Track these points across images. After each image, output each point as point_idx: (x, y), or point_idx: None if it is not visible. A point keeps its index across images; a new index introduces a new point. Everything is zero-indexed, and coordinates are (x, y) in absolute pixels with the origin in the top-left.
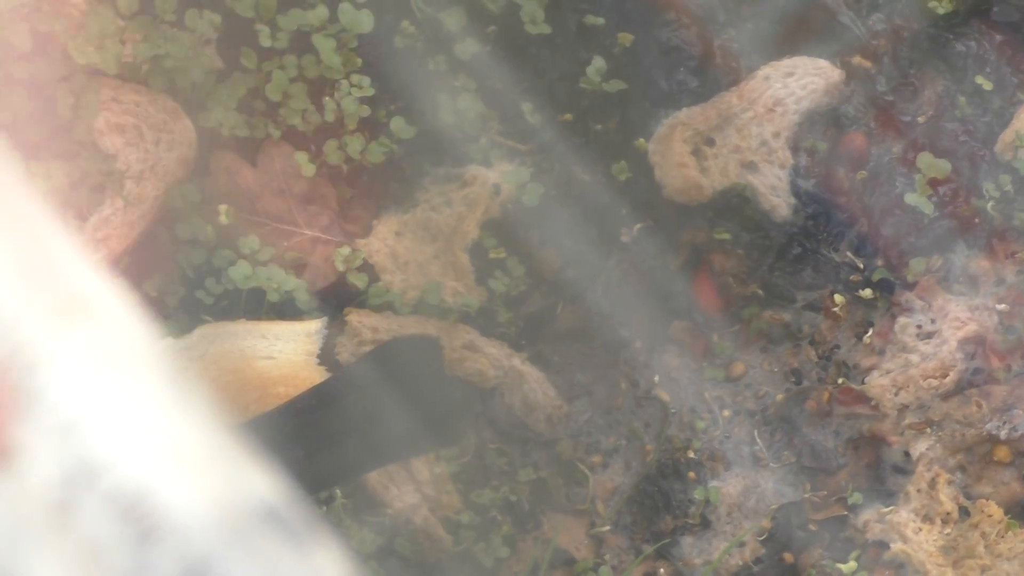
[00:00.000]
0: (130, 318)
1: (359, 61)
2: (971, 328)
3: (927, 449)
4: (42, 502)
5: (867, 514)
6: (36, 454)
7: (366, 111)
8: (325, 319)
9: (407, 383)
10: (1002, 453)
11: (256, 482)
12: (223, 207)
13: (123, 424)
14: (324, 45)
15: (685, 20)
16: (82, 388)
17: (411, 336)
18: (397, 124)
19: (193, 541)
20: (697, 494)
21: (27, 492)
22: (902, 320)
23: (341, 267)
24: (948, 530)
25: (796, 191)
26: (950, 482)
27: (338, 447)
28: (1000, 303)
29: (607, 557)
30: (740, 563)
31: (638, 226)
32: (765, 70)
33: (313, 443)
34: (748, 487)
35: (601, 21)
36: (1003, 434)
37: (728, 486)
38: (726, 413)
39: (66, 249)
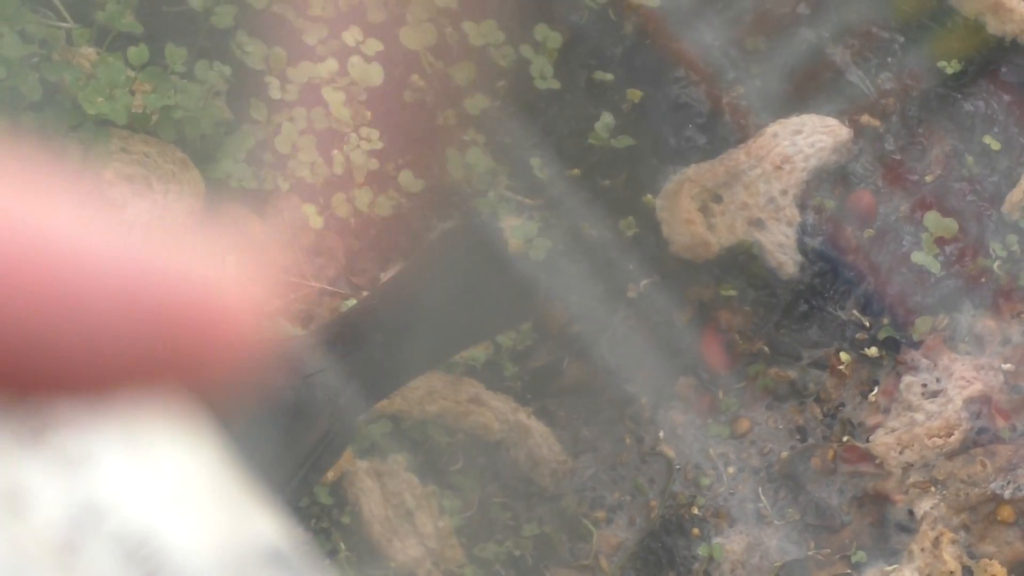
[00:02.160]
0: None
1: (368, 114)
2: (976, 387)
3: (931, 508)
4: (47, 542)
5: (871, 572)
6: (41, 493)
7: (374, 164)
8: None
9: (472, 267)
10: (1006, 513)
11: (262, 524)
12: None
13: (129, 464)
14: (334, 98)
15: (694, 77)
16: (88, 428)
17: (469, 222)
18: (405, 177)
19: None
20: (701, 551)
21: (31, 532)
22: (907, 379)
23: None
24: None
25: (803, 249)
26: (954, 541)
27: (414, 338)
28: (1006, 363)
29: None
30: None
31: (645, 282)
32: (773, 127)
33: (390, 337)
34: (752, 544)
35: (610, 77)
36: (1007, 493)
37: (732, 543)
38: (731, 470)
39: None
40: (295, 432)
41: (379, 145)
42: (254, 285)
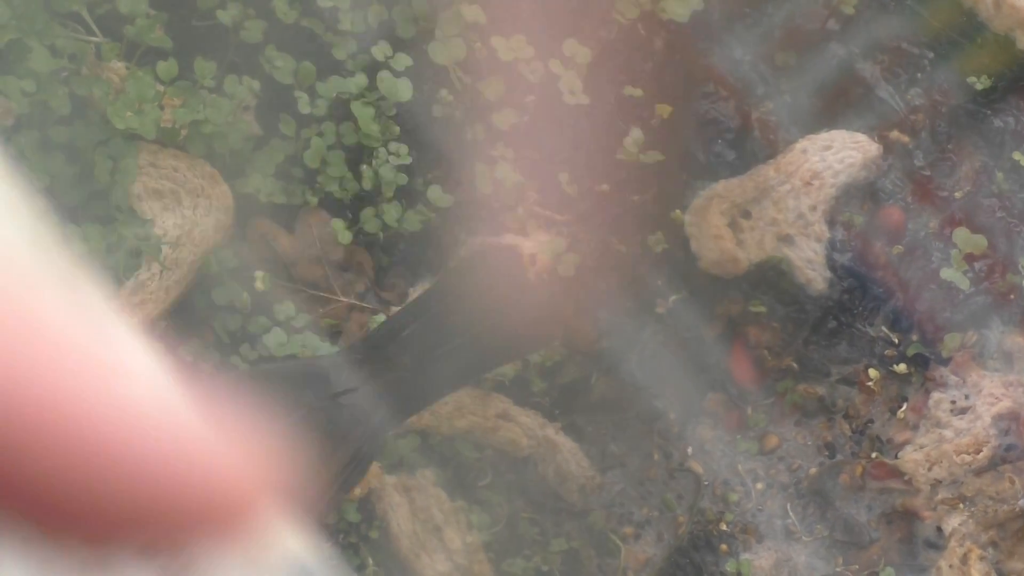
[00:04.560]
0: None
1: (397, 129)
2: (1005, 404)
3: (960, 524)
4: (78, 560)
5: None
6: None
7: (403, 179)
8: None
9: (492, 291)
10: None
11: (290, 541)
12: (259, 273)
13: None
14: (363, 113)
15: (723, 92)
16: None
17: (490, 247)
18: (434, 192)
19: None
20: (729, 567)
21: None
22: (936, 395)
23: None
24: None
25: (832, 265)
26: (982, 558)
27: (442, 358)
28: None
29: None
30: None
31: (673, 298)
32: (803, 143)
33: (418, 357)
34: (780, 560)
35: (640, 92)
36: None
37: (760, 559)
38: (759, 486)
39: (103, 310)
40: (326, 452)
41: (408, 160)
42: (279, 470)
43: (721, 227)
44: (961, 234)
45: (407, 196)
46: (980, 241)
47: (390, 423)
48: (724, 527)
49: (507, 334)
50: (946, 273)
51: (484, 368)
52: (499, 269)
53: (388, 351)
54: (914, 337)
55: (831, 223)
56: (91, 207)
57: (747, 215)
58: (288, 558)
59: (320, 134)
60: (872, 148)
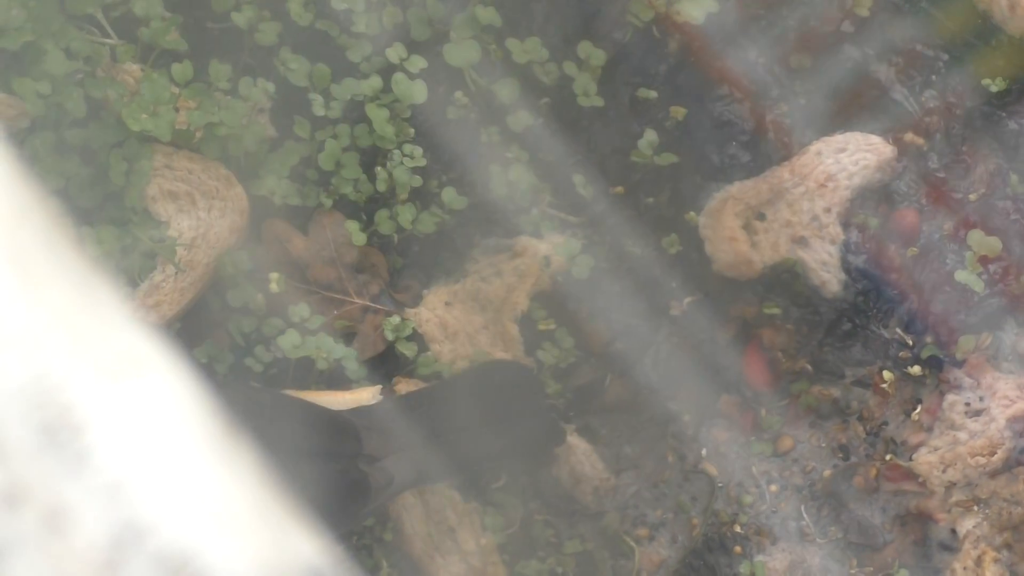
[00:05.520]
0: (179, 379)
1: (412, 131)
2: (1020, 406)
3: (974, 527)
4: (89, 563)
5: None
6: (84, 514)
7: (418, 181)
8: (380, 387)
9: (503, 404)
10: None
11: (302, 544)
12: (274, 275)
13: (171, 485)
14: (377, 115)
15: (738, 94)
16: (130, 448)
17: (511, 362)
18: (449, 194)
19: None
20: (743, 569)
21: (74, 553)
22: (951, 397)
23: (390, 336)
24: None
25: (847, 267)
26: (996, 560)
27: (440, 446)
28: None
29: None
30: None
31: (688, 300)
32: (817, 145)
33: (429, 438)
34: (794, 562)
35: (654, 94)
36: None
37: (774, 561)
38: (773, 488)
39: (116, 310)
40: (346, 509)
41: (422, 162)
42: None
43: (735, 229)
44: (975, 236)
45: (421, 198)
46: (994, 243)
47: (405, 486)
48: (738, 529)
49: (507, 443)
50: (960, 275)
51: (477, 467)
52: (509, 383)
53: (399, 428)
54: (928, 339)
55: (845, 225)
56: (106, 209)
57: (761, 217)
58: (302, 561)
59: (335, 136)
60: (887, 150)
